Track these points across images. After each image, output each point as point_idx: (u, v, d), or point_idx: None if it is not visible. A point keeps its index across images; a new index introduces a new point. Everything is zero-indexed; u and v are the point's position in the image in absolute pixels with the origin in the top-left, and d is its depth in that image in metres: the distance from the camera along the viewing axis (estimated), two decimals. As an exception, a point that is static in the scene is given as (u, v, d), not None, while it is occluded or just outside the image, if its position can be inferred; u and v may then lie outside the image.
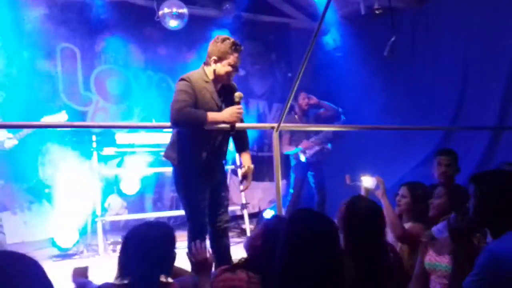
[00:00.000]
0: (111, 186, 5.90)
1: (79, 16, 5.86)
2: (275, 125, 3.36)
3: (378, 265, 2.04)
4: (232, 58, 2.99)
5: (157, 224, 2.05)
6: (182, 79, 2.98)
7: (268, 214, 5.68)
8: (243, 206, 5.66)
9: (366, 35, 6.27)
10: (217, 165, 3.17)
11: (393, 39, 4.85)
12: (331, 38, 6.68)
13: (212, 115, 2.86)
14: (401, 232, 2.80)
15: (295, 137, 5.34)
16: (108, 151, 5.23)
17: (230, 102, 2.98)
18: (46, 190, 5.73)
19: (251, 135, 6.92)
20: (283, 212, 3.50)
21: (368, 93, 6.24)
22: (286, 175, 5.94)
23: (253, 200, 6.73)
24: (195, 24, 6.27)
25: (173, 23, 5.84)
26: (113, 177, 5.85)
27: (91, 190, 5.08)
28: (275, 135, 3.35)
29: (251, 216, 5.93)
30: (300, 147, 5.26)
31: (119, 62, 6.40)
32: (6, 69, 5.43)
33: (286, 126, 4.09)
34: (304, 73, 3.09)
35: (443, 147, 3.97)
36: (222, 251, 3.08)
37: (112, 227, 5.70)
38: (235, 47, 3.01)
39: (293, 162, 5.45)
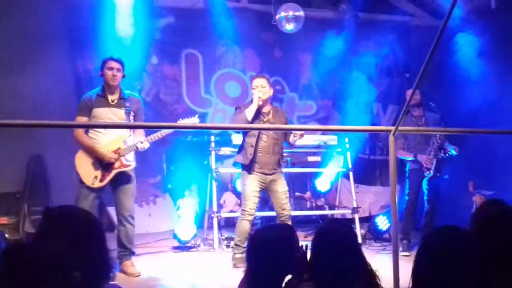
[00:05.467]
0: (226, 184, 6.17)
1: (202, 23, 6.21)
2: (392, 128, 3.21)
3: None
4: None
5: (279, 227, 2.09)
6: None
7: (381, 220, 5.47)
8: (354, 210, 5.52)
9: (498, 31, 5.72)
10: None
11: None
12: (457, 36, 6.21)
13: None
14: None
15: (412, 144, 5.05)
16: (224, 150, 5.47)
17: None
18: (169, 186, 6.18)
19: (362, 137, 6.81)
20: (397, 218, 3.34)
21: (500, 94, 5.68)
22: (399, 180, 5.66)
23: (364, 204, 6.55)
24: (310, 26, 6.29)
25: (289, 26, 5.91)
26: (229, 175, 6.11)
27: (208, 187, 5.36)
28: (392, 139, 3.20)
29: (362, 220, 5.77)
30: (419, 159, 4.95)
31: (236, 66, 6.67)
32: (137, 74, 5.98)
33: (403, 129, 3.89)
34: (425, 74, 2.91)
35: None
36: None
37: (227, 223, 5.95)
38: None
39: (408, 167, 5.18)
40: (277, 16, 5.95)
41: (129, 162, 4.01)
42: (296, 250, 1.95)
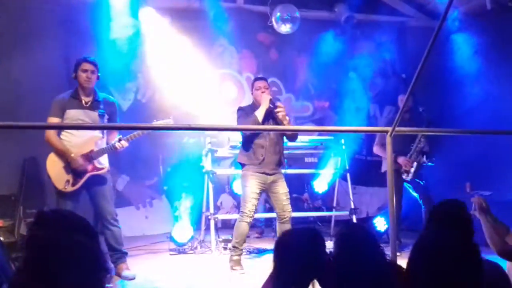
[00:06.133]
0: (223, 186, 6.15)
1: (197, 23, 6.20)
2: (389, 129, 3.21)
3: None
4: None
5: (308, 230, 2.08)
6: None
7: (379, 221, 5.46)
8: (352, 212, 5.51)
9: (494, 32, 5.73)
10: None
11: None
12: (454, 37, 6.23)
13: None
14: (500, 248, 2.58)
15: (399, 147, 5.06)
16: (221, 152, 5.45)
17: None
18: (165, 188, 6.16)
19: (359, 138, 6.80)
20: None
21: (496, 95, 5.69)
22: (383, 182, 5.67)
23: (361, 205, 6.55)
24: (307, 27, 6.29)
25: (285, 27, 5.91)
26: (225, 177, 6.09)
27: (205, 189, 5.34)
28: (389, 140, 3.20)
29: (359, 221, 5.76)
30: (398, 161, 4.93)
31: (233, 67, 6.65)
32: (133, 75, 5.94)
33: (400, 130, 3.89)
34: (421, 75, 2.91)
35: None
36: None
37: (224, 225, 5.93)
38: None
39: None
40: (273, 18, 5.95)
41: (102, 165, 3.92)
42: (323, 254, 1.94)
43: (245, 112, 4.25)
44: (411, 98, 4.97)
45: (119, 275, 3.96)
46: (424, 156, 4.90)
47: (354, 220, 5.47)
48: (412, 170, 4.91)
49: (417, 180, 4.98)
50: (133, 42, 5.85)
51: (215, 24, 6.15)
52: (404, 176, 4.96)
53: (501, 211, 3.10)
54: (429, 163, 4.92)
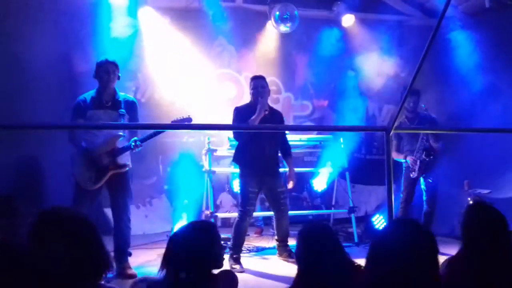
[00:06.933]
0: (222, 185, 6.17)
1: (197, 23, 6.20)
2: (388, 127, 3.22)
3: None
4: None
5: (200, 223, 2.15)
6: None
7: (377, 219, 5.48)
8: (351, 210, 5.53)
9: (492, 30, 5.75)
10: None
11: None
12: (452, 36, 6.24)
13: None
14: None
15: (404, 145, 5.08)
16: (221, 151, 5.46)
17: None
18: (165, 187, 6.17)
19: (358, 137, 6.82)
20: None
21: (494, 92, 5.71)
22: (396, 179, 5.68)
23: (360, 204, 6.56)
24: (306, 26, 6.29)
25: (284, 26, 5.91)
26: (225, 176, 6.10)
27: (205, 188, 5.35)
28: (387, 139, 3.22)
29: (358, 219, 5.78)
30: (408, 160, 4.99)
31: (232, 67, 6.66)
32: (132, 74, 5.94)
33: (399, 129, 3.91)
34: (421, 73, 2.92)
35: None
36: None
37: (223, 224, 5.94)
38: None
39: (404, 165, 5.20)
40: (272, 16, 5.96)
41: (124, 163, 3.98)
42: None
43: (240, 116, 4.24)
44: (415, 98, 4.99)
45: (120, 274, 3.97)
46: (424, 153, 4.93)
47: (353, 219, 5.48)
48: (416, 168, 4.94)
49: (427, 178, 5.01)
50: (132, 41, 5.85)
51: (214, 24, 6.16)
52: (411, 175, 5.00)
53: (498, 209, 3.11)
54: (427, 159, 4.93)
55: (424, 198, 5.04)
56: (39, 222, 1.50)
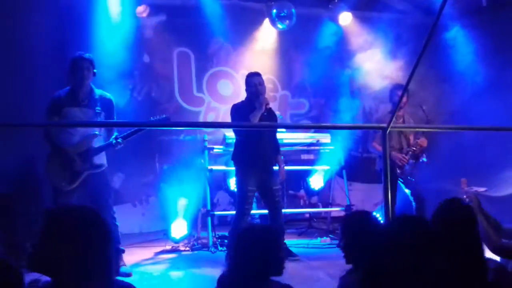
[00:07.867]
0: (219, 183, 6.15)
1: (194, 21, 6.18)
2: (385, 125, 3.22)
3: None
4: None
5: (262, 228, 2.17)
6: None
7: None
8: (348, 208, 5.53)
9: (490, 28, 5.75)
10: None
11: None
12: (450, 34, 6.24)
13: None
14: (494, 245, 2.60)
15: (395, 143, 5.06)
16: (218, 149, 5.45)
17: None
18: (161, 185, 6.15)
19: (354, 135, 6.82)
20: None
21: (492, 91, 5.71)
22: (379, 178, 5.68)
23: (357, 201, 6.56)
24: (303, 24, 6.28)
25: (281, 24, 5.90)
26: (221, 174, 6.09)
27: (201, 186, 5.34)
28: (385, 136, 3.21)
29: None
30: (394, 160, 4.94)
31: (229, 64, 6.64)
32: (129, 72, 5.93)
33: (396, 126, 3.91)
34: (418, 71, 2.92)
35: None
36: None
37: (220, 222, 5.94)
38: None
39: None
40: (269, 14, 5.95)
41: (101, 163, 3.90)
42: (279, 250, 2.05)
43: (239, 113, 4.24)
44: (407, 95, 4.97)
45: (116, 272, 3.96)
46: (410, 156, 4.91)
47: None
48: (407, 166, 4.92)
49: (409, 177, 4.99)
50: (129, 39, 5.81)
51: (211, 21, 6.14)
52: (398, 172, 4.96)
53: (495, 207, 3.12)
54: (421, 160, 4.93)
55: (411, 197, 4.99)
56: (49, 223, 1.50)
